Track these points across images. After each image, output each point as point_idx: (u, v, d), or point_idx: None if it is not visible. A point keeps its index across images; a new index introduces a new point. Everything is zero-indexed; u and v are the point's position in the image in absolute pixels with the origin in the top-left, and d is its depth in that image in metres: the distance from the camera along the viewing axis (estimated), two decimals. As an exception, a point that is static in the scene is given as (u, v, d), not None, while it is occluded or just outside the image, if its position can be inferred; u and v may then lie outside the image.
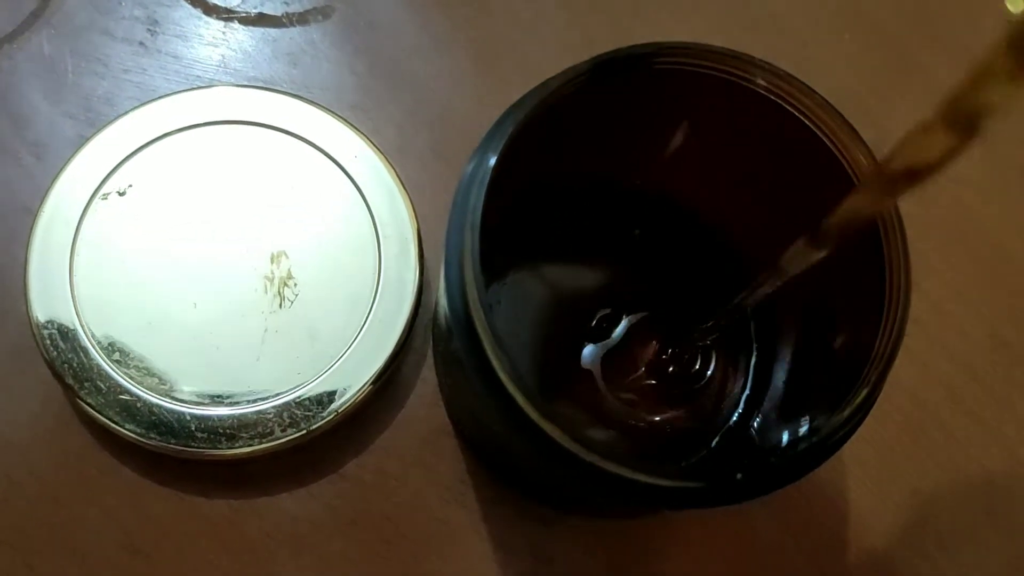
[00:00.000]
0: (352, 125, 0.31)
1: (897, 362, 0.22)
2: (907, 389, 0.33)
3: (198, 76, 0.34)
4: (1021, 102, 0.16)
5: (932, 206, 0.36)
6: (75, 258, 0.29)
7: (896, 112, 0.35)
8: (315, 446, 0.30)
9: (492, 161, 0.21)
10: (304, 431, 0.28)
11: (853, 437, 0.22)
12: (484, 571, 0.30)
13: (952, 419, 0.33)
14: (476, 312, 0.21)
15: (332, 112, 0.32)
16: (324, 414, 0.29)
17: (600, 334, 0.28)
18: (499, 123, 0.23)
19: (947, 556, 0.32)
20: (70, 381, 0.28)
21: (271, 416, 0.28)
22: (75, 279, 0.29)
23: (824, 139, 0.24)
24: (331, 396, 0.29)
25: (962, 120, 0.16)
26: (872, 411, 0.22)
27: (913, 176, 0.18)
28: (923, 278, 0.22)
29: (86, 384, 0.28)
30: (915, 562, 0.32)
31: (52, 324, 0.29)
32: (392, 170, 0.31)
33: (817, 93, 0.23)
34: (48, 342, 0.28)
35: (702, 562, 0.31)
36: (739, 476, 0.21)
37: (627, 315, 0.28)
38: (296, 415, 0.28)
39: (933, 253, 0.35)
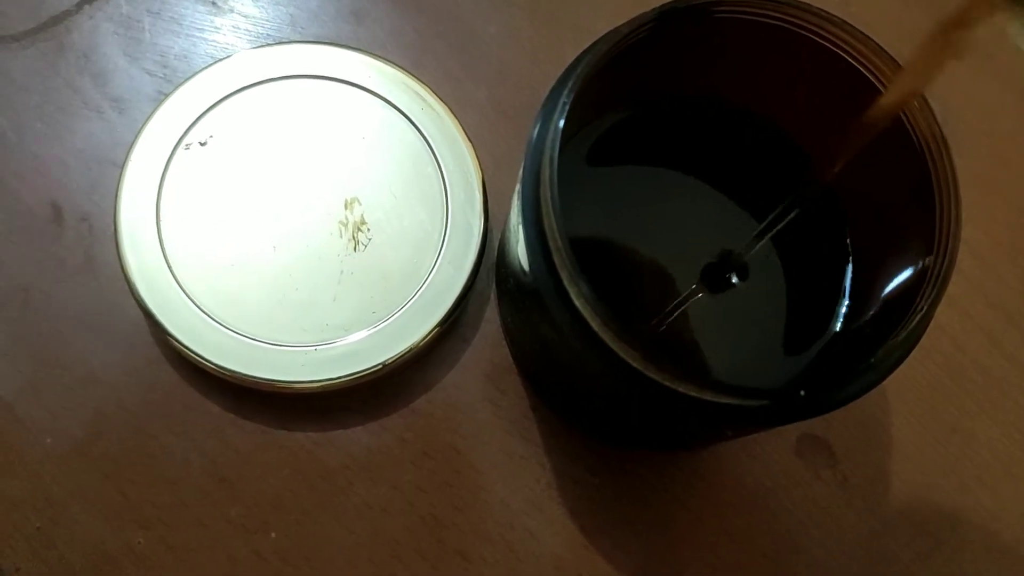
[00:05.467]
0: (417, 78, 0.33)
1: (939, 307, 0.23)
2: (948, 333, 0.35)
3: (268, 35, 0.35)
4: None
5: (970, 159, 0.37)
6: (161, 204, 0.31)
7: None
8: (388, 382, 0.31)
9: (568, 98, 0.23)
10: (379, 366, 0.30)
11: (898, 377, 0.24)
12: (547, 499, 0.31)
13: (991, 361, 0.35)
14: (553, 238, 0.22)
15: (397, 66, 0.33)
16: (397, 351, 0.30)
17: (682, 260, 0.29)
18: (571, 67, 0.24)
19: (986, 490, 0.33)
20: (159, 320, 0.30)
21: (348, 353, 0.30)
22: (161, 224, 0.31)
23: (878, 84, 0.25)
24: (403, 334, 0.30)
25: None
26: (916, 353, 0.24)
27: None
28: (963, 228, 0.23)
29: (173, 323, 0.30)
30: (955, 495, 0.33)
31: (141, 267, 0.30)
32: (456, 121, 0.33)
33: (871, 39, 0.25)
34: (138, 284, 0.30)
35: (752, 490, 0.32)
36: (802, 393, 0.22)
37: (707, 237, 0.29)
38: (371, 352, 0.30)
39: (972, 204, 0.36)
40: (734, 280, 0.28)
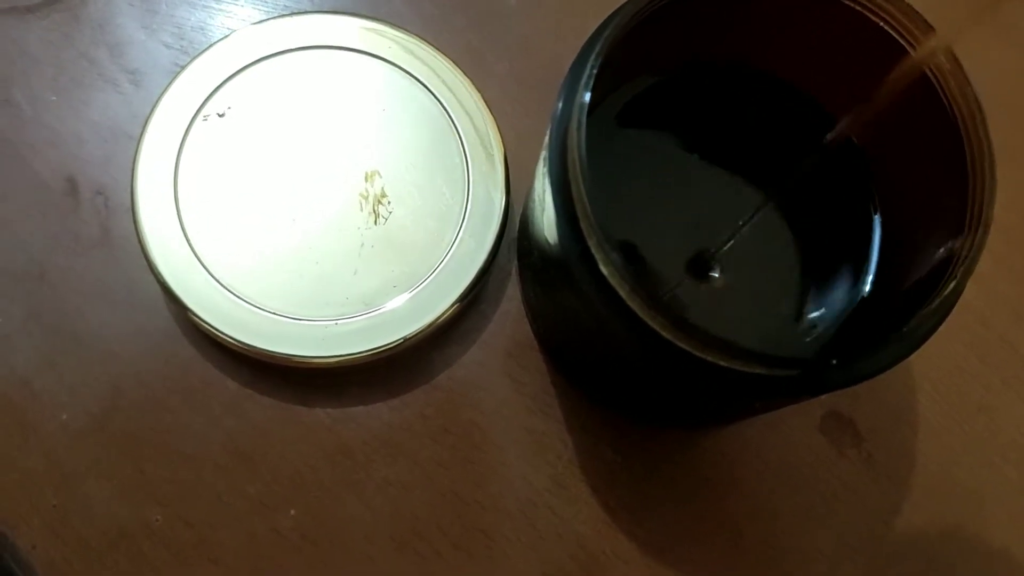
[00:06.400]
0: (438, 50, 0.33)
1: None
2: (974, 310, 0.34)
3: (284, 5, 0.35)
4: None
5: (994, 132, 0.36)
6: (179, 177, 0.31)
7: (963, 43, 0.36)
8: (408, 358, 0.31)
9: (596, 62, 0.22)
10: (400, 341, 0.30)
11: (924, 354, 0.23)
12: (569, 477, 0.31)
13: (1018, 338, 0.34)
14: (581, 204, 0.22)
15: (418, 37, 0.33)
16: (418, 326, 0.30)
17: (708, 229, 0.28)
18: (598, 32, 0.24)
19: (1012, 467, 0.33)
20: (177, 294, 0.30)
21: (368, 327, 0.30)
22: (179, 197, 0.30)
23: (907, 46, 0.24)
24: (424, 309, 0.30)
25: None
26: (942, 330, 0.23)
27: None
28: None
29: (192, 297, 0.30)
30: (980, 471, 0.33)
31: (159, 241, 0.30)
32: (477, 94, 0.32)
33: (904, 1, 0.24)
34: (155, 257, 0.30)
35: (776, 468, 0.32)
36: (834, 363, 0.22)
37: (735, 206, 0.29)
38: (391, 326, 0.30)
39: (1000, 181, 0.35)
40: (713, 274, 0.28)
